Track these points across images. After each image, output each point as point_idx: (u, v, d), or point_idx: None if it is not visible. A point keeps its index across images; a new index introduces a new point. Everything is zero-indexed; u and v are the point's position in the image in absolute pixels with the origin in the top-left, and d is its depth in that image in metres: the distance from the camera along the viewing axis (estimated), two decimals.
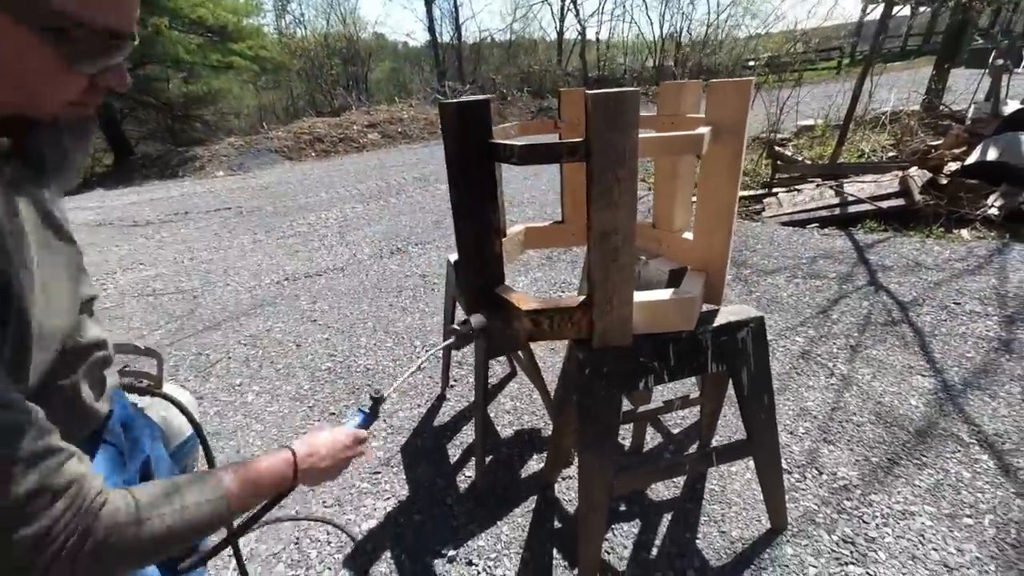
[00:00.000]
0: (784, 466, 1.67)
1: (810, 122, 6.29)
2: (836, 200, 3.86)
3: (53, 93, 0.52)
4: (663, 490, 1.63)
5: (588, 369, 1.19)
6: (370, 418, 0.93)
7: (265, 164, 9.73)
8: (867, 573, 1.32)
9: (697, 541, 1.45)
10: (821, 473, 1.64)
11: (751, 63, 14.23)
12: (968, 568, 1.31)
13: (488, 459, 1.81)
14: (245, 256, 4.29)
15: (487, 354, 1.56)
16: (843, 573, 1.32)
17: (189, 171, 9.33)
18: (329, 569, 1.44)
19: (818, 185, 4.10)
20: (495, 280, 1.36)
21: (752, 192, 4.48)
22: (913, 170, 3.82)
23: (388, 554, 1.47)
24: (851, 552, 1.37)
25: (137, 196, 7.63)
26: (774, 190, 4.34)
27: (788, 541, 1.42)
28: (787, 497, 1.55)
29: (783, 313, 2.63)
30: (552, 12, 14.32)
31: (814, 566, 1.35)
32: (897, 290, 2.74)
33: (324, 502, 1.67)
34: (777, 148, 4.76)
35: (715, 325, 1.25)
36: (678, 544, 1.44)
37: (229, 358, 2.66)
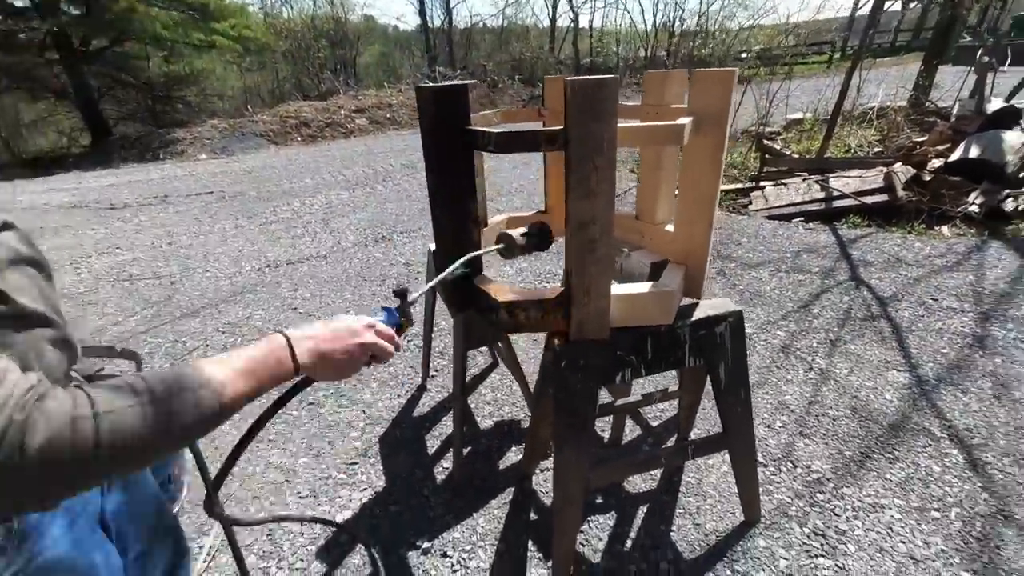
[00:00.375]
0: (760, 459, 1.69)
1: (799, 116, 6.31)
2: (821, 195, 3.88)
3: None
4: (640, 483, 1.64)
5: (564, 362, 1.18)
6: (395, 317, 0.85)
7: (250, 148, 9.52)
8: (836, 566, 1.33)
9: (672, 533, 1.46)
10: (796, 466, 1.66)
11: (743, 55, 14.20)
12: (934, 560, 1.33)
13: (467, 450, 1.80)
14: (226, 242, 4.19)
15: (465, 345, 1.54)
16: (813, 565, 1.34)
17: (170, 154, 9.09)
18: (302, 560, 1.42)
19: (804, 179, 4.12)
20: (473, 270, 1.33)
21: (739, 185, 4.48)
22: (897, 166, 3.85)
23: (362, 546, 1.46)
24: (821, 544, 1.39)
25: (115, 178, 7.42)
26: (761, 184, 4.35)
27: (761, 534, 1.44)
28: (762, 490, 1.56)
29: (765, 307, 2.65)
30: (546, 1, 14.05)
31: (785, 558, 1.36)
32: (877, 285, 2.77)
33: (300, 493, 1.65)
34: (765, 142, 4.76)
35: (694, 319, 1.24)
36: (652, 536, 1.45)
37: (207, 346, 2.61)
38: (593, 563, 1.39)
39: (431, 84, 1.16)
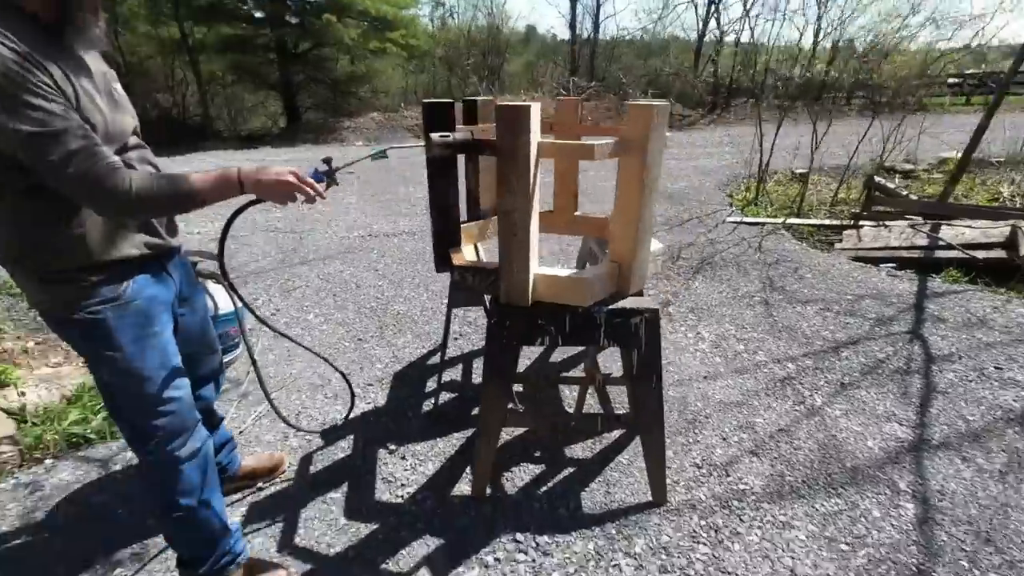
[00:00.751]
0: (697, 462, 1.82)
1: (951, 154, 5.47)
2: (924, 242, 3.48)
3: None
4: (580, 451, 1.88)
5: (495, 320, 1.52)
6: (320, 176, 1.20)
7: (396, 140, 11.02)
8: (712, 555, 1.47)
9: (583, 493, 1.69)
10: (728, 475, 1.76)
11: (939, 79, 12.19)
12: None
13: (453, 395, 2.21)
14: (348, 212, 5.15)
15: (451, 303, 1.94)
16: (691, 548, 1.49)
17: (336, 139, 10.96)
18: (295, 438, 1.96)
19: (912, 224, 3.71)
20: (452, 244, 1.73)
21: (836, 221, 4.17)
22: None
23: (352, 438, 1.95)
24: (709, 536, 1.52)
25: (292, 155, 9.24)
26: (860, 223, 4.00)
27: (660, 513, 1.61)
28: (682, 486, 1.71)
29: (791, 341, 2.60)
30: (696, 14, 13.71)
31: (669, 536, 1.53)
32: (936, 343, 2.52)
33: (326, 395, 2.21)
34: (878, 179, 4.33)
35: (611, 307, 1.49)
36: (565, 490, 1.70)
37: (306, 287, 3.39)
38: (508, 493, 1.69)
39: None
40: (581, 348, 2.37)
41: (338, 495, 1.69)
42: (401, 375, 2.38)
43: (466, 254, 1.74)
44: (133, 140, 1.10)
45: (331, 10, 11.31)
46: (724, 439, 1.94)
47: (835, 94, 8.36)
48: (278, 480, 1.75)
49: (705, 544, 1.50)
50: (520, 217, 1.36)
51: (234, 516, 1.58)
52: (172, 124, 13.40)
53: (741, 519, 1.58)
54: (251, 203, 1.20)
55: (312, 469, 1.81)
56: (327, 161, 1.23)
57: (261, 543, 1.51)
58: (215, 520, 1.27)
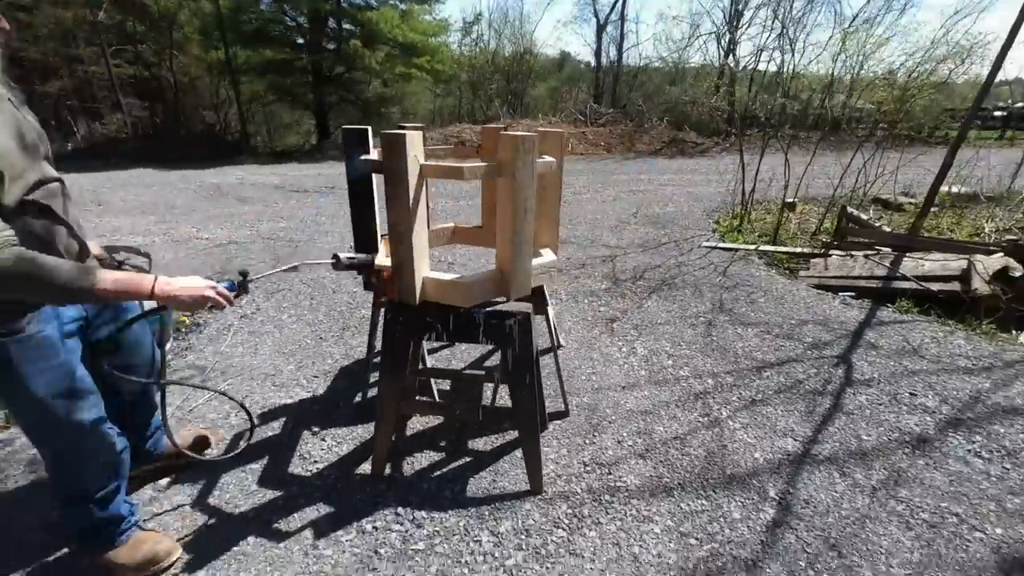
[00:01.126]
0: (585, 462, 1.96)
1: (953, 189, 5.42)
2: (883, 272, 3.52)
3: None
4: (482, 444, 2.05)
5: (390, 316, 1.74)
6: (235, 287, 1.31)
7: None
8: (567, 539, 1.61)
9: (471, 479, 1.86)
10: (610, 473, 1.90)
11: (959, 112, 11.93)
12: (652, 566, 1.51)
13: None
14: (348, 224, 5.51)
15: (375, 304, 2.18)
16: (550, 532, 1.63)
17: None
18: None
19: (875, 253, 3.75)
20: (369, 251, 1.97)
21: (806, 249, 4.23)
22: (995, 257, 3.30)
23: (283, 420, 2.18)
24: (572, 523, 1.67)
25: (315, 170, 9.83)
26: (830, 252, 4.05)
27: (532, 500, 1.76)
28: (561, 478, 1.86)
29: (720, 360, 2.70)
30: (718, 44, 13.93)
31: (534, 520, 1.68)
32: (861, 367, 2.58)
33: (274, 382, 2.47)
34: (851, 210, 4.37)
35: (489, 310, 1.70)
36: (456, 476, 1.88)
37: (289, 290, 3.70)
38: (405, 474, 1.88)
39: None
40: None
41: (257, 466, 1.92)
42: (347, 370, 2.62)
43: (379, 259, 1.97)
44: (41, 175, 1.10)
45: (362, 37, 12.11)
46: (619, 442, 2.07)
47: (855, 125, 8.35)
48: (211, 451, 1.99)
49: (564, 529, 1.65)
50: (405, 228, 1.59)
51: (166, 476, 1.83)
52: (214, 139, 14.47)
53: (607, 512, 1.72)
54: (157, 309, 1.29)
55: (242, 444, 2.05)
56: (243, 274, 1.35)
57: (180, 499, 1.75)
58: (111, 512, 1.40)
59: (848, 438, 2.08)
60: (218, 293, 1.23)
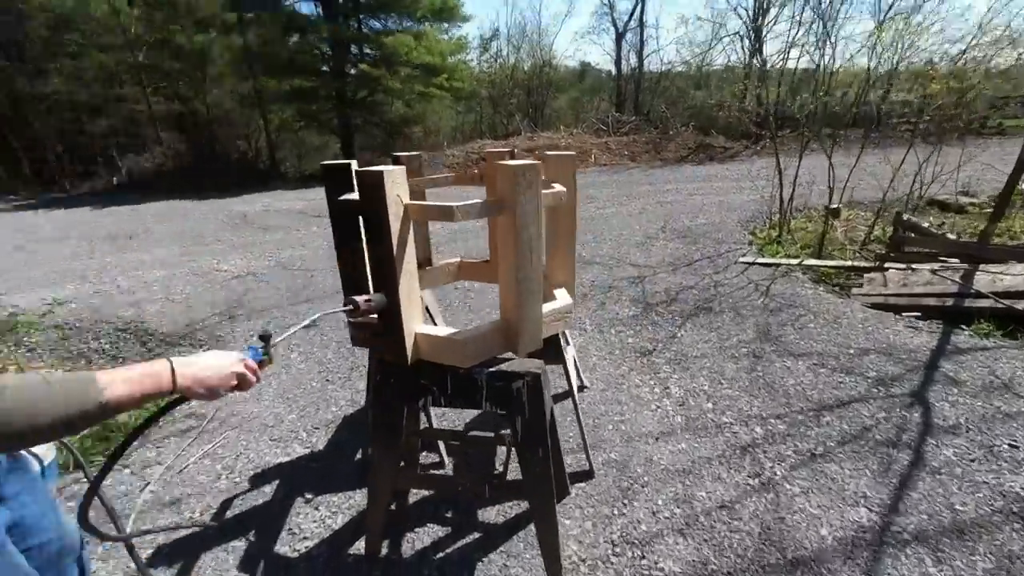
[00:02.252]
0: (615, 539, 1.67)
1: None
2: (954, 289, 3.08)
3: None
4: (494, 516, 1.78)
5: (380, 377, 1.52)
6: (259, 353, 1.02)
7: (438, 173, 11.48)
8: None
9: (479, 564, 1.60)
10: (644, 557, 1.59)
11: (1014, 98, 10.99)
12: None
13: None
14: None
15: (372, 353, 1.96)
16: None
17: None
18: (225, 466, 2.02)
19: (933, 268, 3.30)
20: (359, 293, 1.76)
21: (858, 263, 3.80)
22: None
23: (277, 483, 1.98)
24: None
25: None
26: (886, 265, 3.62)
27: None
28: (590, 565, 1.57)
29: (769, 401, 2.35)
30: (743, 45, 13.41)
31: None
32: (942, 410, 2.18)
33: (272, 435, 2.28)
34: (907, 217, 3.91)
35: (492, 369, 1.45)
36: (462, 557, 1.62)
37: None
38: (404, 555, 1.63)
39: (338, 162, 1.65)
40: None
41: (241, 543, 1.71)
42: (350, 420, 2.41)
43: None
44: None
45: (381, 61, 12.26)
46: (654, 513, 1.76)
47: (895, 120, 7.79)
48: (193, 521, 1.80)
49: None
50: (389, 278, 1.36)
51: (142, 551, 1.65)
52: (246, 167, 14.93)
53: None
54: (173, 403, 0.92)
55: (229, 513, 1.85)
56: (265, 339, 1.05)
57: None
58: None
59: (938, 508, 1.70)
60: (246, 366, 0.96)
